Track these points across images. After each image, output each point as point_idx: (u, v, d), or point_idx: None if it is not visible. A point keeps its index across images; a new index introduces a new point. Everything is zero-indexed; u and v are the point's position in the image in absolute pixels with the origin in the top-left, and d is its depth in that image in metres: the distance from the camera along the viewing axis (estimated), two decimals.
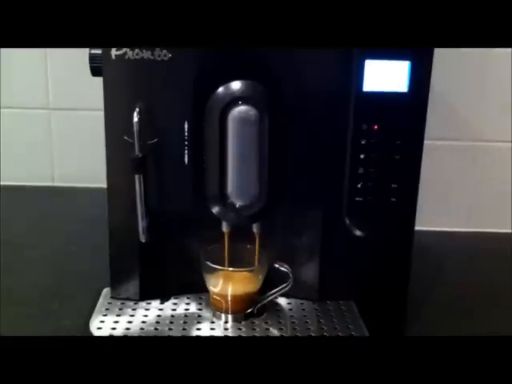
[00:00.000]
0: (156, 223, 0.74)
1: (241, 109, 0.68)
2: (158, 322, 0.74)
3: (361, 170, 0.73)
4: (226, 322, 0.75)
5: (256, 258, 0.75)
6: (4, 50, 1.14)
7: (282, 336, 0.73)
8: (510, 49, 1.07)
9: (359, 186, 0.74)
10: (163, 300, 0.78)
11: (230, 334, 0.73)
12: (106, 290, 0.79)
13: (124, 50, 0.68)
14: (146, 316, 0.75)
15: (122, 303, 0.77)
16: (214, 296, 0.75)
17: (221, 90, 0.68)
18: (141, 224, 0.72)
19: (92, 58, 0.71)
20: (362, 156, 0.73)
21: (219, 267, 0.74)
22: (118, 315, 0.75)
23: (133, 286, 0.78)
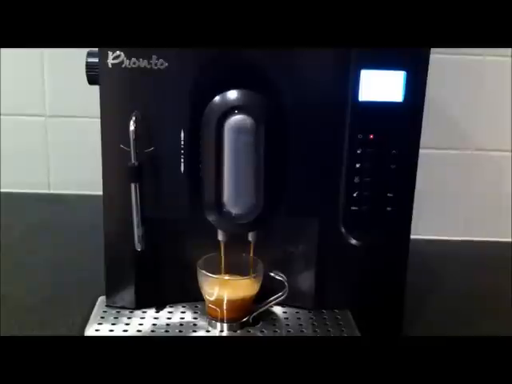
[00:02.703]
0: (152, 231, 0.73)
1: (237, 118, 0.68)
2: (153, 331, 0.74)
3: (357, 180, 0.73)
4: (222, 331, 0.75)
5: (252, 266, 0.75)
6: (1, 57, 1.14)
7: (279, 336, 0.73)
8: (507, 57, 1.07)
9: (355, 195, 0.74)
10: (158, 309, 0.78)
11: None
12: (102, 299, 0.79)
13: (121, 58, 0.68)
14: (141, 325, 0.75)
15: (117, 311, 0.77)
16: (210, 305, 0.75)
17: (217, 99, 0.68)
18: (136, 232, 0.72)
19: (89, 66, 0.71)
20: (357, 165, 0.73)
21: (215, 276, 0.74)
22: (114, 324, 0.74)
23: (128, 295, 0.78)
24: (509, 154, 1.12)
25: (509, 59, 1.07)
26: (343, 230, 0.75)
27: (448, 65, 1.06)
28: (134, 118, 0.69)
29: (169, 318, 0.76)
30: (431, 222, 1.12)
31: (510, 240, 1.14)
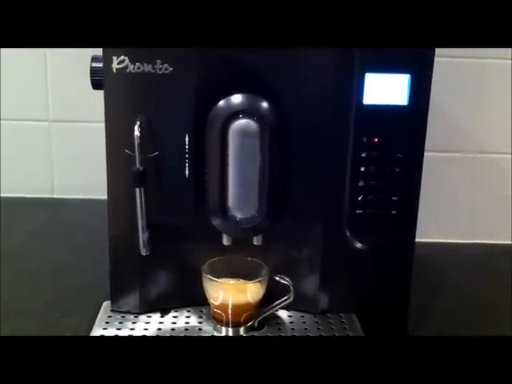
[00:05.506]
0: (156, 236, 0.73)
1: (241, 122, 0.68)
2: (158, 336, 0.74)
3: (361, 183, 0.73)
4: (227, 336, 0.75)
5: (257, 270, 0.75)
6: (4, 62, 1.14)
7: (281, 336, 0.73)
8: (509, 60, 1.07)
9: (360, 198, 0.74)
10: (163, 313, 0.78)
11: None
12: (107, 303, 0.79)
13: (125, 63, 0.68)
14: (146, 330, 0.75)
15: (122, 316, 0.77)
16: (215, 309, 0.75)
17: (222, 103, 0.68)
18: (141, 237, 0.72)
19: (93, 71, 0.71)
20: (362, 169, 0.73)
21: (220, 280, 0.74)
22: (119, 329, 0.74)
23: (133, 299, 0.77)
24: (509, 156, 1.12)
25: (510, 62, 1.08)
26: (348, 233, 0.75)
27: (450, 68, 1.06)
28: (138, 123, 0.69)
29: (174, 323, 0.76)
30: (433, 224, 1.11)
31: (511, 242, 1.14)
